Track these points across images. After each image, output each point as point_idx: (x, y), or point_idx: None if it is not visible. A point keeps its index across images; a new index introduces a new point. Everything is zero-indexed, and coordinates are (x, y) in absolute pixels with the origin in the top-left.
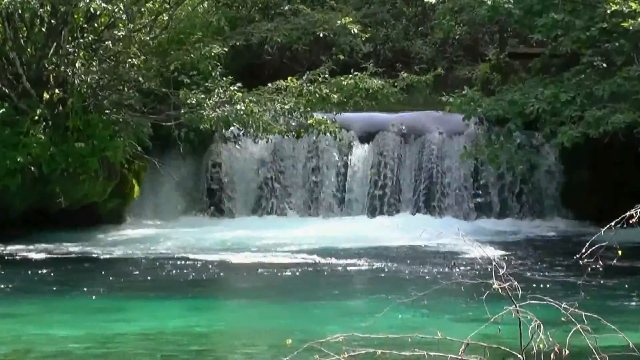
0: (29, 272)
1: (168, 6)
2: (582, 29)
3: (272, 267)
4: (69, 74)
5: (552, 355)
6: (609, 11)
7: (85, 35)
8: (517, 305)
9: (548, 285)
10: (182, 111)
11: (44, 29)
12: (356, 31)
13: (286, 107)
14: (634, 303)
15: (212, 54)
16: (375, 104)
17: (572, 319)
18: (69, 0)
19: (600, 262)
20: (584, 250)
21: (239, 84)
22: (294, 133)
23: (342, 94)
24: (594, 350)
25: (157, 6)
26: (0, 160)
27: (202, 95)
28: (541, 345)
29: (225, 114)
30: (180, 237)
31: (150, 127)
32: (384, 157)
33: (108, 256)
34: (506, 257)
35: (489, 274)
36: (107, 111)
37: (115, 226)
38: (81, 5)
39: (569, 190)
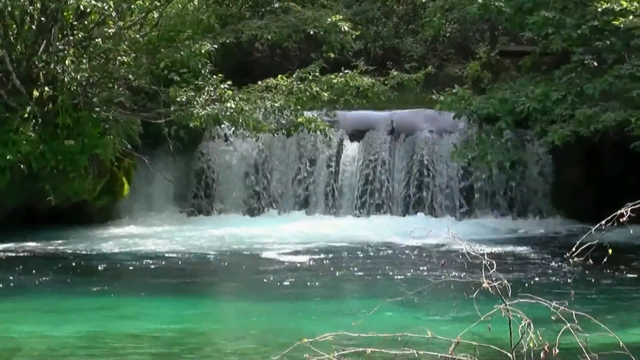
0: (18, 270)
1: (158, 4)
2: (573, 27)
3: (262, 266)
4: (59, 71)
5: (542, 354)
6: (599, 9)
7: (75, 32)
8: (507, 304)
9: (538, 284)
10: (172, 109)
11: (33, 27)
12: (346, 29)
13: (276, 105)
14: (624, 302)
15: (202, 52)
16: (365, 102)
17: (562, 318)
18: None
19: (590, 261)
20: (574, 249)
21: (229, 82)
22: (284, 131)
23: (332, 92)
24: (584, 349)
25: (147, 3)
26: None
27: (192, 93)
28: (531, 344)
29: (215, 111)
30: (170, 235)
31: (140, 125)
32: (374, 156)
33: (97, 254)
34: (496, 256)
35: (479, 273)
36: (97, 109)
37: (105, 224)
38: (71, 2)
39: (560, 188)
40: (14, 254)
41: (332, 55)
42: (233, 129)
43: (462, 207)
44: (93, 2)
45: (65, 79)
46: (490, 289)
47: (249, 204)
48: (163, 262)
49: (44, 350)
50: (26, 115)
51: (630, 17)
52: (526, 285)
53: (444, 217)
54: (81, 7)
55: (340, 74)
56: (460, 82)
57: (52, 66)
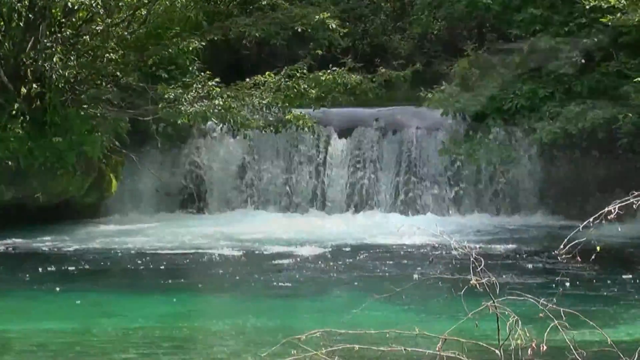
0: (6, 267)
1: (146, 1)
2: (561, 24)
3: (250, 263)
4: (47, 68)
5: (529, 351)
6: (587, 7)
7: (63, 29)
8: (495, 301)
9: (526, 281)
10: (160, 106)
11: (21, 24)
12: (334, 26)
13: (264, 102)
14: (612, 299)
15: (190, 49)
16: (353, 100)
17: (550, 315)
18: None
19: (578, 258)
20: (562, 247)
21: (217, 79)
22: (272, 128)
23: (320, 89)
24: (571, 346)
25: (135, 1)
26: None
27: (180, 90)
28: (519, 341)
29: (203, 109)
30: (158, 231)
31: (128, 122)
32: (361, 153)
33: (85, 251)
34: (484, 253)
35: (467, 270)
36: (85, 106)
37: (93, 221)
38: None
39: (548, 185)
40: (1, 251)
41: (320, 52)
42: (221, 126)
43: (450, 204)
44: None
45: (53, 76)
46: (478, 286)
47: (237, 201)
48: (151, 259)
49: (31, 346)
50: (14, 112)
51: (618, 15)
52: (514, 282)
53: (432, 214)
54: (69, 4)
55: (328, 71)
56: (448, 79)
57: (40, 63)
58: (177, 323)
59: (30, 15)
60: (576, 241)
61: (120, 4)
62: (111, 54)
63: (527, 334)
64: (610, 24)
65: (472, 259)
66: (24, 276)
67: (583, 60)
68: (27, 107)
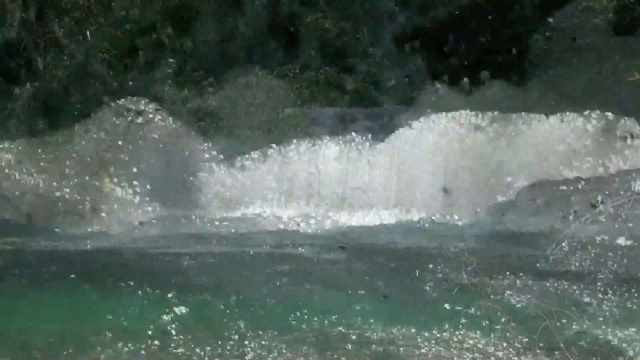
0: None
1: (139, 0)
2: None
3: (244, 263)
4: (40, 68)
5: (522, 350)
6: (580, 7)
7: (57, 29)
8: (488, 300)
9: (519, 281)
10: (154, 105)
11: (15, 24)
12: (327, 26)
13: (257, 102)
14: (605, 299)
15: (183, 49)
16: (347, 99)
17: (542, 315)
18: None
19: (570, 256)
20: (554, 245)
21: (210, 79)
22: (265, 128)
23: (312, 89)
24: (563, 345)
25: (128, 1)
26: None
27: (173, 90)
28: (511, 341)
29: (196, 108)
30: (151, 231)
31: (121, 121)
32: (354, 153)
33: (77, 250)
34: (477, 253)
35: (459, 270)
36: (79, 105)
37: (86, 220)
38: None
39: (541, 185)
40: None
41: (313, 52)
42: (214, 126)
43: (443, 204)
44: None
45: (47, 76)
46: (470, 285)
47: (230, 200)
48: (145, 259)
49: (18, 346)
50: (7, 112)
51: (610, 15)
52: (507, 282)
53: (425, 213)
54: (62, 4)
55: (321, 71)
56: (441, 79)
57: (33, 63)
58: (168, 322)
59: (23, 15)
60: (568, 240)
61: (112, 3)
62: (105, 54)
63: (519, 334)
64: (602, 24)
65: (464, 258)
66: (11, 276)
67: (575, 60)
68: (20, 108)
